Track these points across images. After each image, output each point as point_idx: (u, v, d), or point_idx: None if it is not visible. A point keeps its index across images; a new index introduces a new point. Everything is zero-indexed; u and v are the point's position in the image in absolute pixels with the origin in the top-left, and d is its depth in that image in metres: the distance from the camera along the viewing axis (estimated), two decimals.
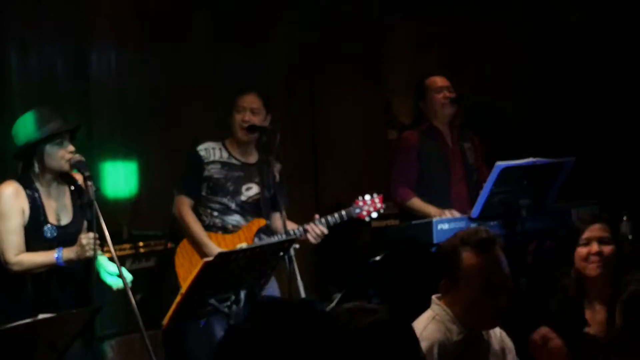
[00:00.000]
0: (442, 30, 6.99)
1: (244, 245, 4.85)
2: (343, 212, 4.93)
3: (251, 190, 4.95)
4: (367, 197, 5.01)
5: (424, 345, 2.88)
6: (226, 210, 4.90)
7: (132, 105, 5.88)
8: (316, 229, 4.82)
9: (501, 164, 4.90)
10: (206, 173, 4.86)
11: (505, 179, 4.91)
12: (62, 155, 4.09)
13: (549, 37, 7.02)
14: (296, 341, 1.82)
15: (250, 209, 4.94)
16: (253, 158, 4.99)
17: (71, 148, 4.12)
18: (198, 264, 4.74)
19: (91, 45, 5.89)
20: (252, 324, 1.86)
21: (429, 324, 3.01)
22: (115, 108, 5.95)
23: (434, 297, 3.08)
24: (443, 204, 5.35)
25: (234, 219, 4.92)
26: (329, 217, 4.88)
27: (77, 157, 4.11)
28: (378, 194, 5.04)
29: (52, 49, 5.71)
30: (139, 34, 6.06)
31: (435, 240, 4.93)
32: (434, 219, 5.05)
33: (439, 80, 5.55)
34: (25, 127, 4.11)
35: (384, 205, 5.07)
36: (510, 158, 5.00)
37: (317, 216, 4.88)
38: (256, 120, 4.88)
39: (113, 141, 5.72)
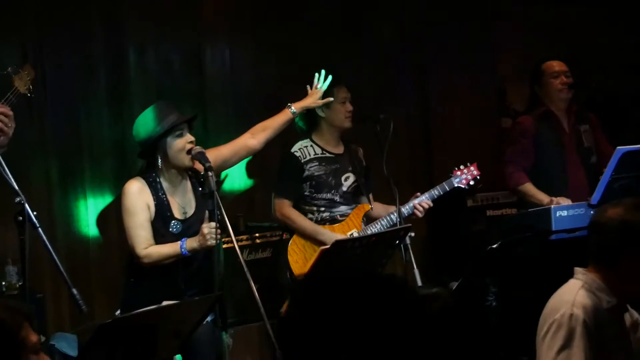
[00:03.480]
0: (556, 13, 6.83)
1: (354, 232, 4.86)
2: (444, 184, 4.93)
3: (349, 180, 4.95)
4: (462, 166, 5.00)
5: (580, 311, 2.94)
6: (332, 204, 4.91)
7: (246, 98, 5.97)
8: (423, 204, 4.83)
9: (622, 148, 4.75)
10: (306, 173, 4.87)
11: (626, 164, 4.75)
12: (183, 145, 4.15)
13: None
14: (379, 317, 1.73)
15: (352, 197, 4.96)
16: (341, 148, 5.01)
17: (190, 138, 4.18)
18: (313, 256, 4.81)
19: (206, 41, 6.01)
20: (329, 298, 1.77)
21: (579, 291, 3.02)
22: (230, 102, 6.04)
23: (578, 269, 3.09)
24: (560, 190, 5.23)
25: (341, 210, 4.93)
26: (433, 191, 4.89)
27: (198, 148, 4.16)
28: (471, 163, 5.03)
29: (168, 47, 5.85)
30: (252, 30, 6.15)
31: (554, 228, 4.80)
32: (553, 206, 4.91)
33: (557, 65, 5.45)
34: (146, 124, 4.18)
35: (480, 172, 5.02)
36: (632, 142, 4.84)
37: (417, 194, 4.88)
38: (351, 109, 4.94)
39: (228, 134, 5.78)
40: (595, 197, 4.87)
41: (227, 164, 4.49)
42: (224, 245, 4.79)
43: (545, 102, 5.46)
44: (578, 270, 3.10)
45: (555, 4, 6.85)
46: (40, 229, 3.38)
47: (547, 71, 5.44)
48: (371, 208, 4.95)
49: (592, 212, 4.79)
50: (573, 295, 3.01)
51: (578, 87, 5.42)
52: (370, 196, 5.06)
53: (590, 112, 5.62)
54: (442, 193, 4.92)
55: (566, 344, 2.93)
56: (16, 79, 4.13)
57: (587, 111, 5.61)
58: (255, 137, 4.54)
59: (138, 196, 4.13)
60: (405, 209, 4.82)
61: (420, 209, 4.82)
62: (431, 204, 4.86)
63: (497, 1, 6.96)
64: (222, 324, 4.13)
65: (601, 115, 5.71)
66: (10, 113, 3.94)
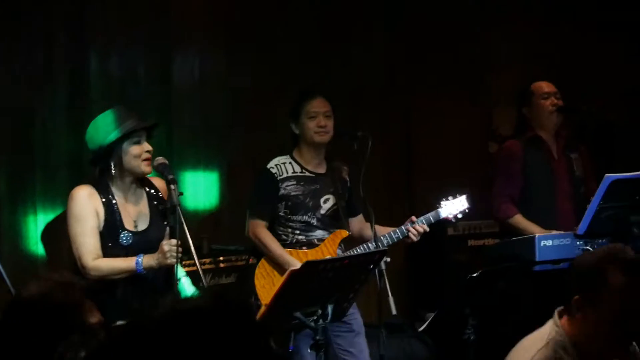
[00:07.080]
0: (547, 38, 6.75)
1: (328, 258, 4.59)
2: (429, 216, 4.65)
3: (329, 202, 4.71)
4: (451, 197, 4.73)
5: None
6: (309, 227, 4.67)
7: (215, 112, 5.81)
8: (418, 228, 4.56)
9: (611, 176, 4.61)
10: (282, 192, 4.63)
11: (615, 192, 4.61)
12: (140, 152, 3.95)
13: None
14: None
15: (330, 221, 4.71)
16: (323, 168, 4.77)
17: (148, 147, 3.98)
18: (281, 280, 4.51)
19: (174, 50, 5.80)
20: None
21: (540, 350, 2.77)
22: (197, 115, 5.85)
23: (556, 312, 2.82)
24: (548, 219, 5.06)
25: (317, 234, 4.69)
26: (423, 217, 4.62)
27: (161, 159, 3.99)
28: (462, 194, 4.76)
29: (134, 53, 5.63)
30: (223, 40, 5.96)
31: (538, 258, 4.65)
32: (537, 235, 4.73)
33: (546, 86, 5.28)
34: (101, 127, 3.96)
35: (470, 205, 4.76)
36: (622, 170, 4.71)
37: (413, 218, 4.61)
38: (331, 124, 4.68)
39: (194, 149, 5.65)
40: (581, 227, 4.72)
41: None
42: (185, 269, 4.56)
43: (534, 126, 5.27)
44: (555, 316, 2.83)
45: (545, 26, 6.76)
46: None
47: (537, 92, 5.26)
48: (349, 233, 4.71)
49: (578, 242, 4.71)
50: (531, 355, 2.76)
51: (568, 112, 5.27)
52: (359, 217, 4.83)
53: (581, 141, 5.48)
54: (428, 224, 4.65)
55: None
56: None
57: (577, 141, 5.45)
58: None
59: (87, 201, 3.91)
60: (399, 233, 4.59)
61: (415, 232, 4.56)
62: (427, 229, 4.59)
63: (485, 22, 6.88)
64: None
65: (592, 141, 5.57)
66: None
